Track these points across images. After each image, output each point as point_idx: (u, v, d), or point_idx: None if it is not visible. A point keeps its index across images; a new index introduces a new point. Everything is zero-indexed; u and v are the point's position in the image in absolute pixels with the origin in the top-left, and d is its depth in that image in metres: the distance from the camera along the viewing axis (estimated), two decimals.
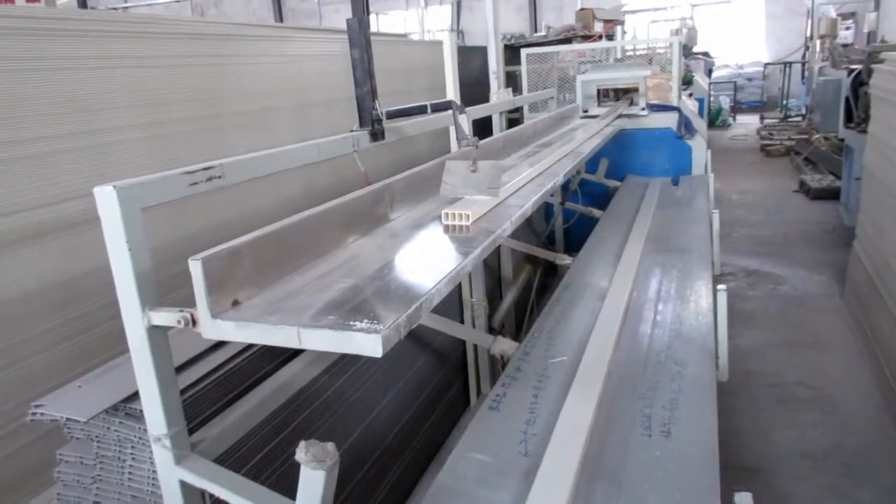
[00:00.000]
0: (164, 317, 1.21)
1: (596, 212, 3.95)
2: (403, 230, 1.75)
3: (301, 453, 1.16)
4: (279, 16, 20.54)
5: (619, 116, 4.65)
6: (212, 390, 1.56)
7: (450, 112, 2.12)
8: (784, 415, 3.17)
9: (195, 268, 1.15)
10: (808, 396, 3.34)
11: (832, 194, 7.24)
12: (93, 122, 2.35)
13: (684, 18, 15.82)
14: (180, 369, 1.50)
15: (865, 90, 5.65)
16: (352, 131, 2.01)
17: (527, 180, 2.27)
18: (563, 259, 3.07)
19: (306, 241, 1.47)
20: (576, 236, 4.30)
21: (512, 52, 6.94)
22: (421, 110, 2.00)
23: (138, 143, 2.53)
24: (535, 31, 15.76)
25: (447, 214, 1.71)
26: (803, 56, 15.27)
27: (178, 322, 1.20)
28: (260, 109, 3.11)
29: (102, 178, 2.33)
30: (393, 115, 2.01)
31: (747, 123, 14.60)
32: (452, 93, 2.97)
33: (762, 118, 14.47)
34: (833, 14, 14.56)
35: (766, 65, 15.94)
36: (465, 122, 1.95)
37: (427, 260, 1.50)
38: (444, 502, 1.38)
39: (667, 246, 3.07)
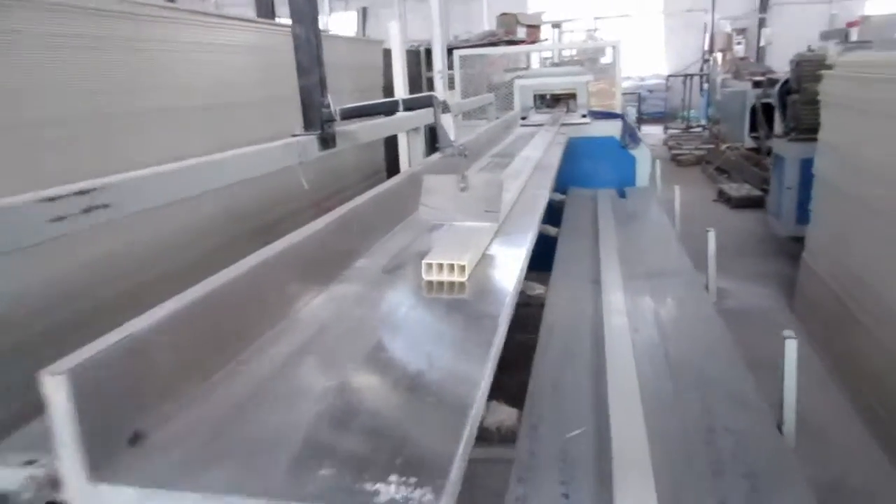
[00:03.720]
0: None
1: (551, 229, 3.54)
2: (382, 280, 1.24)
3: None
4: None
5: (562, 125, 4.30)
6: None
7: (406, 113, 1.64)
8: None
9: (55, 388, 0.60)
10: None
11: (753, 203, 7.28)
12: None
13: (590, 30, 16.08)
14: None
15: (794, 98, 5.65)
16: (295, 136, 1.48)
17: (513, 200, 1.82)
18: (534, 289, 2.63)
19: (248, 311, 0.93)
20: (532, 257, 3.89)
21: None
22: (390, 109, 1.49)
23: None
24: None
25: (430, 266, 1.20)
26: (701, 69, 15.84)
27: (25, 486, 0.64)
28: (165, 108, 2.48)
29: None
30: (351, 115, 1.50)
31: (652, 134, 14.93)
32: (402, 93, 2.49)
33: (666, 129, 14.83)
34: (728, 29, 15.23)
35: (669, 76, 16.42)
36: (451, 123, 1.46)
37: (430, 333, 1.00)
38: None
39: (645, 269, 2.70)
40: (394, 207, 1.55)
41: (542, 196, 1.88)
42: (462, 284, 1.15)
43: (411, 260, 1.28)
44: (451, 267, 1.16)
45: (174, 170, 1.09)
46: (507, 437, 1.62)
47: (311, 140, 1.48)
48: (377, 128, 1.77)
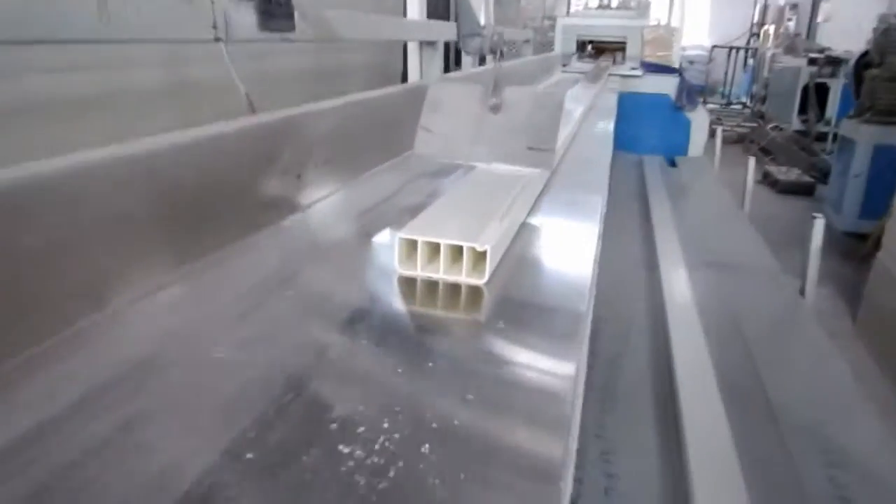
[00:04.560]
0: None
1: None
2: (321, 258, 0.65)
3: None
4: None
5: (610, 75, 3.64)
6: None
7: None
8: None
9: None
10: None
11: (802, 189, 6.58)
12: None
13: None
14: None
15: (873, 73, 4.91)
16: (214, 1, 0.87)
17: (564, 145, 1.21)
18: None
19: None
20: None
21: None
22: None
23: None
24: None
25: (413, 247, 0.58)
26: (748, 42, 14.86)
27: None
28: None
29: None
30: None
31: None
32: (418, 14, 1.87)
33: (705, 102, 13.96)
34: (782, 2, 14.21)
35: (714, 47, 15.45)
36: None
37: (395, 418, 0.42)
38: None
39: (714, 257, 2.10)
40: (381, 131, 0.94)
41: (604, 147, 1.27)
42: (478, 292, 0.55)
43: (389, 224, 0.69)
44: (458, 252, 0.56)
45: None
46: None
47: (244, 7, 0.87)
48: (370, 25, 1.16)
